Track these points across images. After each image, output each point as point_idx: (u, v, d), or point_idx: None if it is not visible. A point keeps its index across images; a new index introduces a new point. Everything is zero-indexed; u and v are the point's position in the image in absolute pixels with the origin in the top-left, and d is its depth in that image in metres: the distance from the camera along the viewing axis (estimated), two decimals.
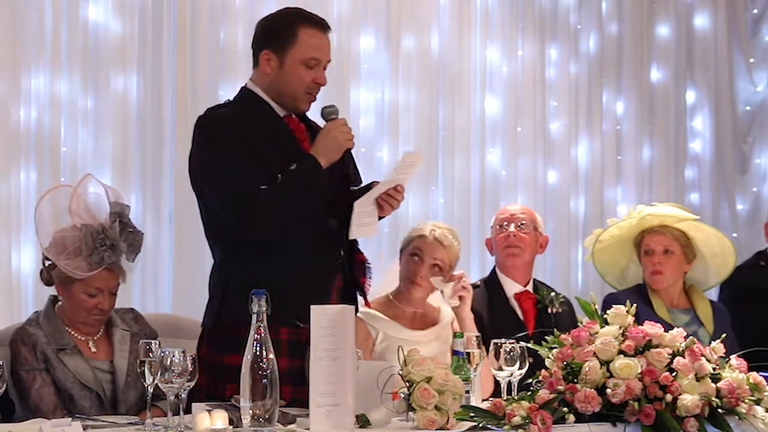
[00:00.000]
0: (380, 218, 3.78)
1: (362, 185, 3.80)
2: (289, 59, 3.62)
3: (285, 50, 3.62)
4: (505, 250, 4.60)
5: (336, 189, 3.70)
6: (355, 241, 3.75)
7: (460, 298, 4.22)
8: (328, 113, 3.68)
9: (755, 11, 6.94)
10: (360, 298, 3.80)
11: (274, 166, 3.58)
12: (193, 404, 3.04)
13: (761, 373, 3.31)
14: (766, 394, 3.25)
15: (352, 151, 3.72)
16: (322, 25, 3.68)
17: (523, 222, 4.62)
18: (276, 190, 3.53)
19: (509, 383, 3.31)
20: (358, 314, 4.04)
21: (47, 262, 3.82)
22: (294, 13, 3.72)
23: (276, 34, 3.64)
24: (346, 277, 3.73)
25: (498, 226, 4.64)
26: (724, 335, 3.37)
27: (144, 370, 3.02)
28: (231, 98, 3.80)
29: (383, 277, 4.31)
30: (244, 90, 3.74)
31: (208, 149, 3.60)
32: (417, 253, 4.17)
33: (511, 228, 4.59)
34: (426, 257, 4.16)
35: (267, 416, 2.77)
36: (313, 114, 3.79)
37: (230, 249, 3.64)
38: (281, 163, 3.59)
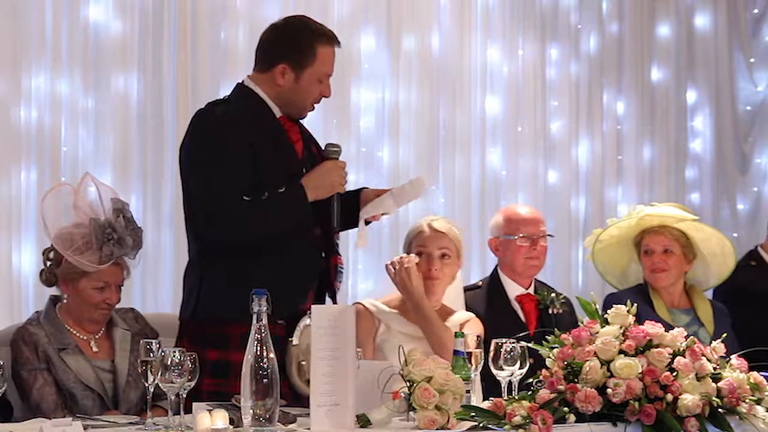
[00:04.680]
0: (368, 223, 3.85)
1: (350, 191, 3.85)
2: (306, 76, 3.72)
3: (303, 68, 3.71)
4: (527, 262, 4.61)
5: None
6: (335, 244, 3.78)
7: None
8: (331, 152, 3.75)
9: (756, 11, 6.94)
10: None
11: (268, 163, 3.63)
12: (194, 404, 3.04)
13: (761, 373, 3.30)
14: (766, 393, 3.25)
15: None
16: (335, 41, 3.77)
17: (547, 234, 4.66)
18: (256, 205, 3.58)
19: (510, 383, 3.31)
20: (367, 305, 4.11)
21: (48, 263, 3.83)
22: (313, 30, 3.76)
23: (296, 51, 3.71)
24: (321, 280, 3.78)
25: (522, 236, 4.59)
26: (724, 335, 3.37)
27: (145, 369, 3.02)
28: (228, 95, 3.84)
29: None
30: (243, 87, 3.79)
31: (202, 147, 3.66)
32: (421, 251, 4.17)
33: (539, 242, 4.61)
34: (432, 250, 4.16)
35: (268, 416, 2.77)
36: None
37: (209, 246, 3.67)
38: (275, 161, 3.65)
